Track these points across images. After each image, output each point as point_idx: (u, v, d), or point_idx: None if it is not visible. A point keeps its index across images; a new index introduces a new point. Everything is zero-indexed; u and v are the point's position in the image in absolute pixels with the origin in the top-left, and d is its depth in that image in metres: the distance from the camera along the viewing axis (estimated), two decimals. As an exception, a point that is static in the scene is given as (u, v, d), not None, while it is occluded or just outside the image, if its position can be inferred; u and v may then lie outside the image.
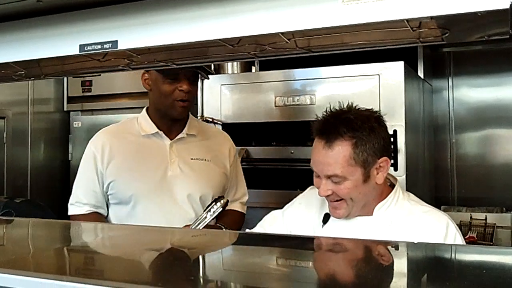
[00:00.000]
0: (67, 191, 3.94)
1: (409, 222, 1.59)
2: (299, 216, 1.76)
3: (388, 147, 1.62)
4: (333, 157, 1.54)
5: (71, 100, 4.01)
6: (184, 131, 2.16)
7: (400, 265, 1.17)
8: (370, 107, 1.71)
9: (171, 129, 2.16)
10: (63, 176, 3.95)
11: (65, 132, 3.98)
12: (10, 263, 1.12)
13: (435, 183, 3.62)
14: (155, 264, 1.15)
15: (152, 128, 2.14)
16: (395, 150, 2.57)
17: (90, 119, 3.93)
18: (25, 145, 3.79)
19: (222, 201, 1.92)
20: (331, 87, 2.86)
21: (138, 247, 1.38)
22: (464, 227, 3.21)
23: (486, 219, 3.20)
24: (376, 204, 1.63)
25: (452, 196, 3.63)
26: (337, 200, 1.59)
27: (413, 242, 1.62)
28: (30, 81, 3.67)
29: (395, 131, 2.58)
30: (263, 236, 1.65)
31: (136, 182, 2.08)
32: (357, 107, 1.64)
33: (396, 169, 2.56)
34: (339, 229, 1.63)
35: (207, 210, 1.93)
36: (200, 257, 1.28)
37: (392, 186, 1.69)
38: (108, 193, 2.11)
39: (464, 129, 3.65)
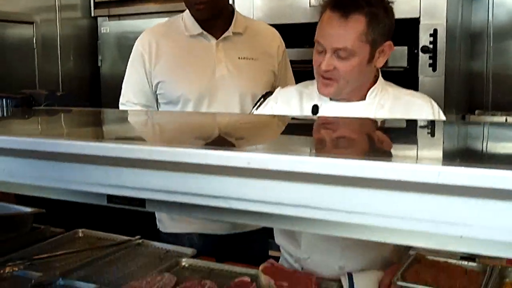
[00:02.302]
0: (98, 98, 4.00)
1: (398, 105, 1.64)
2: (277, 113, 1.77)
3: (392, 34, 1.62)
4: (347, 29, 1.54)
5: (97, 5, 3.95)
6: (229, 29, 2.11)
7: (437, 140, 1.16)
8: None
9: (215, 28, 2.11)
10: (93, 83, 3.97)
11: (93, 39, 3.96)
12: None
13: (470, 88, 3.56)
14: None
15: (196, 28, 2.10)
16: (435, 50, 2.50)
17: (118, 24, 3.88)
18: (55, 52, 3.79)
19: (271, 97, 1.90)
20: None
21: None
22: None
23: (521, 122, 3.16)
24: (367, 89, 1.65)
25: (487, 100, 3.57)
26: (331, 79, 1.59)
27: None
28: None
29: (435, 30, 2.50)
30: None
31: (184, 83, 2.07)
32: None
33: (434, 69, 2.51)
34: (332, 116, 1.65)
35: (255, 107, 1.93)
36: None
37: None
38: (157, 93, 2.12)
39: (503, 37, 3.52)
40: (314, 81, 1.69)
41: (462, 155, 0.91)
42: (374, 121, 1.45)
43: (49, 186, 0.90)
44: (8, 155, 0.91)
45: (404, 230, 0.67)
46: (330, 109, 1.66)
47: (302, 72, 2.91)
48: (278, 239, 1.88)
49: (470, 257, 1.42)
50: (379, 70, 1.69)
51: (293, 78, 2.31)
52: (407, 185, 0.62)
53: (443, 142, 1.05)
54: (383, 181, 0.63)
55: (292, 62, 2.74)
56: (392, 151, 0.96)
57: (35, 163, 0.88)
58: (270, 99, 1.87)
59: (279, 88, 1.88)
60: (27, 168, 0.90)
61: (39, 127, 1.31)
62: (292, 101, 1.75)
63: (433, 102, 1.67)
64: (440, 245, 0.73)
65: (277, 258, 1.80)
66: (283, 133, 1.27)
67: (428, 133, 1.15)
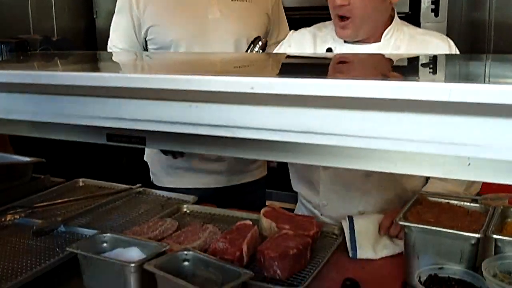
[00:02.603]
0: (94, 50, 3.93)
1: (414, 45, 1.62)
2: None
3: None
4: None
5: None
6: None
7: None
8: None
9: None
10: (89, 36, 3.90)
11: (88, -11, 3.87)
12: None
13: (472, 37, 3.50)
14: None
15: None
16: (437, -6, 2.45)
17: (112, -26, 3.77)
18: (49, 4, 3.69)
19: (261, 42, 1.86)
20: None
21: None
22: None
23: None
24: (382, 30, 1.62)
25: (489, 49, 3.52)
26: (346, 18, 1.56)
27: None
28: None
29: (438, -26, 2.43)
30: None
31: (176, 26, 2.01)
32: None
33: (437, 15, 2.46)
34: None
35: (247, 51, 1.88)
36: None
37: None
38: (147, 39, 2.06)
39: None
40: (327, 23, 1.66)
41: (474, 78, 0.89)
42: (385, 55, 1.41)
43: (47, 121, 0.88)
44: (3, 90, 0.89)
45: (413, 155, 0.65)
46: (345, 51, 1.63)
47: (300, 19, 2.83)
48: (296, 186, 1.88)
49: (473, 198, 1.42)
50: (395, 9, 1.66)
51: (287, 23, 2.25)
52: (418, 104, 0.60)
53: (455, 70, 1.03)
54: (394, 101, 0.61)
55: (289, 9, 2.68)
56: (404, 75, 0.94)
57: (32, 98, 0.86)
58: (283, 43, 1.83)
59: (292, 31, 1.84)
60: (24, 104, 0.88)
61: (36, 66, 1.28)
62: (305, 44, 1.73)
63: (450, 40, 1.65)
64: (448, 173, 0.71)
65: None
66: (288, 64, 1.23)
67: (441, 63, 1.12)
